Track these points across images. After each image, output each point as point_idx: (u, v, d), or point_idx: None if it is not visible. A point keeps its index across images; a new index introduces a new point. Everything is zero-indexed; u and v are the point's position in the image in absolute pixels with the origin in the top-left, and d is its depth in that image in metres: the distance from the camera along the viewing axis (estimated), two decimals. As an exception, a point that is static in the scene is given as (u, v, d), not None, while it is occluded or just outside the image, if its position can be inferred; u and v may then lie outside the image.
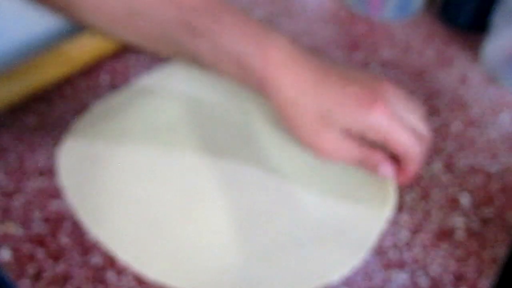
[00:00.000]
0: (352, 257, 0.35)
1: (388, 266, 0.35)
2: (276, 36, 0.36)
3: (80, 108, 0.47)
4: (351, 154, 0.36)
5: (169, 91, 0.48)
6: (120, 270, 0.35)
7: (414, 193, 0.40)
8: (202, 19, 0.34)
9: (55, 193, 0.39)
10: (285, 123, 0.37)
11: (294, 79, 0.35)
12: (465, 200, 0.40)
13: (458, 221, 0.38)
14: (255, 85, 0.36)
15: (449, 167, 0.42)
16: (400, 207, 0.39)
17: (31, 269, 0.35)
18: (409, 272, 0.35)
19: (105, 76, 0.50)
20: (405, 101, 0.37)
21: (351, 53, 0.55)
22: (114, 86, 0.49)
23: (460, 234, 0.37)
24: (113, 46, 0.52)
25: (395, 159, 0.37)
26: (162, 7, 0.34)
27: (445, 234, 0.37)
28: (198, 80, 0.49)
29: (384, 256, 0.36)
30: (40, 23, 0.54)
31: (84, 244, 0.36)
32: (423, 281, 0.35)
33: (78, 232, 0.37)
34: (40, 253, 0.35)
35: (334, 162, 0.38)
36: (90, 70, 0.51)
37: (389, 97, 0.35)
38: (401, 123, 0.35)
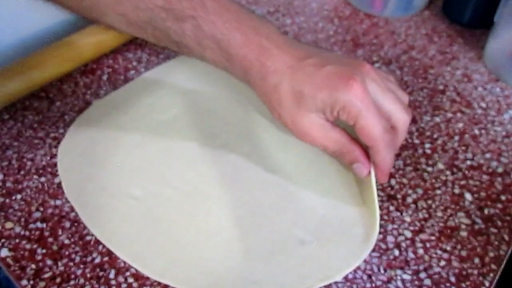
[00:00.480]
0: (354, 257, 0.35)
1: (391, 266, 0.35)
2: (260, 22, 0.36)
3: (80, 106, 0.46)
4: (331, 141, 0.35)
5: (169, 88, 0.48)
6: (120, 269, 0.34)
7: (418, 192, 0.40)
8: (186, 4, 0.35)
9: (55, 192, 0.39)
10: (270, 110, 0.36)
11: (276, 65, 0.34)
12: (468, 199, 0.39)
13: (461, 220, 0.38)
14: (238, 72, 0.36)
15: (452, 166, 0.42)
16: (404, 207, 0.39)
17: (30, 269, 0.34)
18: (412, 272, 0.35)
19: (105, 73, 0.50)
20: (386, 88, 0.35)
21: (353, 50, 0.54)
22: (114, 83, 0.49)
23: (463, 234, 0.37)
24: (112, 43, 0.52)
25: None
26: None
27: (448, 234, 0.37)
28: (198, 77, 0.49)
29: (386, 256, 0.36)
30: (39, 20, 0.53)
31: (84, 243, 0.36)
32: (426, 281, 0.34)
33: (77, 231, 0.37)
34: (39, 253, 0.35)
35: (318, 150, 0.37)
36: (90, 67, 0.51)
37: (368, 79, 0.34)
38: (373, 108, 0.33)
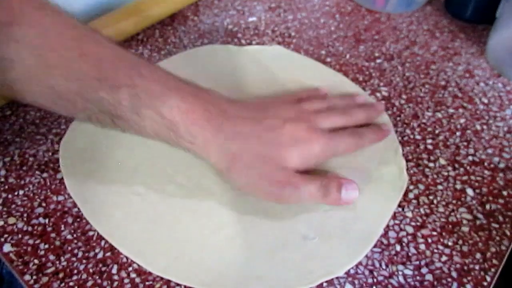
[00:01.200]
0: (356, 252, 0.35)
1: (392, 261, 0.35)
2: (197, 88, 0.36)
3: (82, 102, 0.46)
4: (314, 184, 0.36)
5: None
6: (123, 265, 0.35)
7: (419, 188, 0.40)
8: (121, 72, 0.33)
9: (57, 187, 0.39)
10: (227, 174, 0.36)
11: (236, 129, 0.36)
12: (470, 194, 0.39)
13: (463, 216, 0.38)
14: (184, 141, 0.35)
15: (454, 161, 0.42)
16: (405, 202, 0.39)
17: (33, 264, 0.34)
18: (413, 267, 0.35)
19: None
20: (325, 105, 0.41)
21: (355, 46, 0.54)
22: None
23: (465, 229, 0.37)
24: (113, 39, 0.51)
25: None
26: (79, 61, 0.32)
27: (450, 229, 0.37)
28: (199, 73, 0.49)
29: (388, 251, 0.36)
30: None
31: (87, 239, 0.36)
32: (427, 276, 0.34)
33: (80, 226, 0.37)
34: (42, 248, 0.35)
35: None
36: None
37: (316, 118, 0.39)
38: (340, 133, 0.39)
